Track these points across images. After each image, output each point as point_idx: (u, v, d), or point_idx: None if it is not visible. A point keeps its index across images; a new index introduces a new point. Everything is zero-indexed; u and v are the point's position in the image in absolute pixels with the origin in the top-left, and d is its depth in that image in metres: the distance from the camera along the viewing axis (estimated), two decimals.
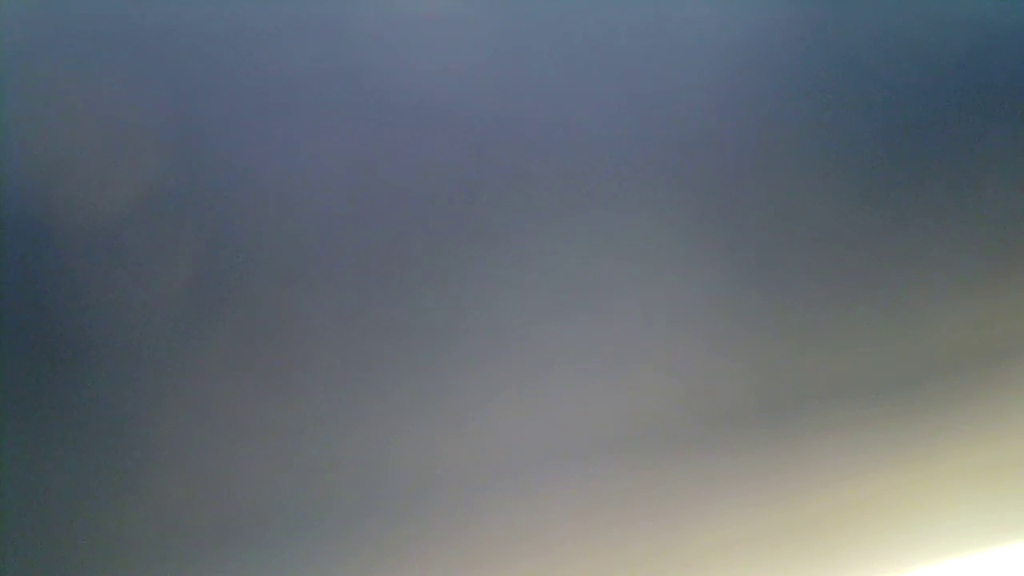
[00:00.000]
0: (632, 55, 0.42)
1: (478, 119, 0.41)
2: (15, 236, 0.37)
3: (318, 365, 0.40)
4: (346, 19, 0.40)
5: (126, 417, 0.38)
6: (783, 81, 0.44)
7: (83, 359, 0.38)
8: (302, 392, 0.40)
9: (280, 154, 0.39)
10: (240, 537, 0.40)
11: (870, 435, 0.47)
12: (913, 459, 0.49)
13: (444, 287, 0.41)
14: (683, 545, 0.46)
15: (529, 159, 0.41)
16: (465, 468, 0.42)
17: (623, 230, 0.42)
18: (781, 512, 0.47)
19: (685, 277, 0.43)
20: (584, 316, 0.42)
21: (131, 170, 0.38)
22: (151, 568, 0.39)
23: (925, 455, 0.49)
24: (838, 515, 0.49)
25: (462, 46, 0.41)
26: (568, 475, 0.43)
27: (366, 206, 0.40)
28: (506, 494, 0.43)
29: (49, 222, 0.37)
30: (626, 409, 0.43)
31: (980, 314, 0.48)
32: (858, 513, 0.49)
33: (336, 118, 0.39)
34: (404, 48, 0.40)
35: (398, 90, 0.40)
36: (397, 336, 0.40)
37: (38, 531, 0.38)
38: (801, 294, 0.45)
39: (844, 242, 0.45)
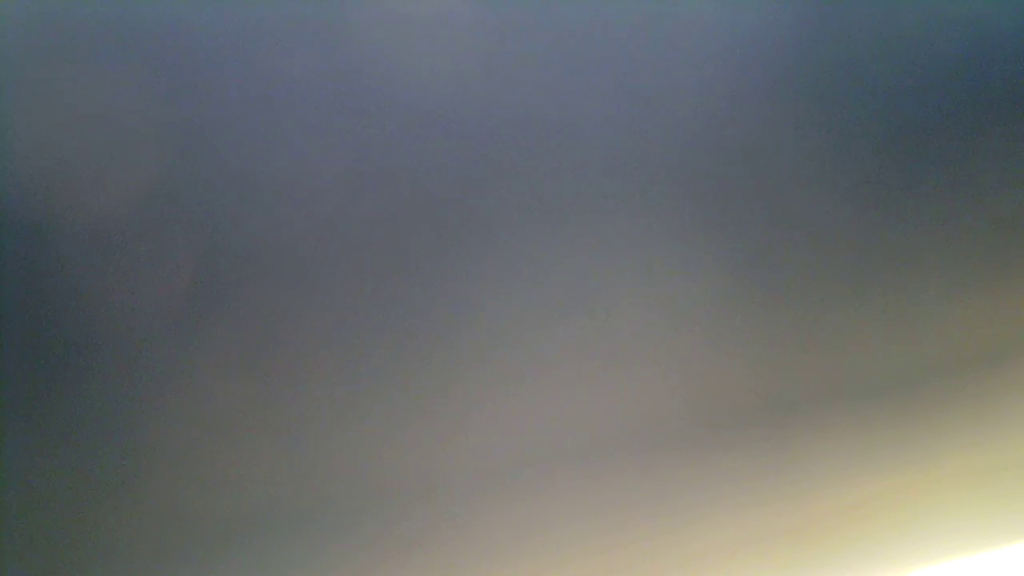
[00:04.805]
0: (631, 55, 0.42)
1: (477, 119, 0.41)
2: (15, 236, 0.37)
3: (317, 365, 0.40)
4: (345, 19, 0.40)
5: (125, 417, 0.38)
6: (782, 81, 0.44)
7: (83, 359, 0.38)
8: (301, 392, 0.40)
9: (279, 154, 0.39)
10: (240, 537, 0.40)
11: (870, 436, 0.47)
12: (912, 460, 0.49)
13: (443, 287, 0.41)
14: (683, 546, 0.46)
15: (529, 159, 0.41)
16: (464, 469, 0.42)
17: (622, 230, 0.42)
18: (781, 513, 0.47)
19: (685, 277, 0.43)
20: (583, 317, 0.42)
21: (131, 170, 0.38)
22: (151, 568, 0.39)
23: (925, 456, 0.49)
24: (838, 516, 0.49)
25: (462, 46, 0.41)
26: (568, 476, 0.43)
27: (365, 206, 0.40)
28: (505, 495, 0.43)
29: (49, 222, 0.37)
30: (625, 410, 0.43)
31: (980, 315, 0.48)
32: (858, 514, 0.49)
33: (335, 118, 0.40)
34: (403, 49, 0.40)
35: (397, 90, 0.40)
36: (396, 336, 0.40)
37: (38, 531, 0.38)
38: (801, 294, 0.45)
39: (844, 242, 0.45)
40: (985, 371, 0.48)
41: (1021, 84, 0.47)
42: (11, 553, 0.38)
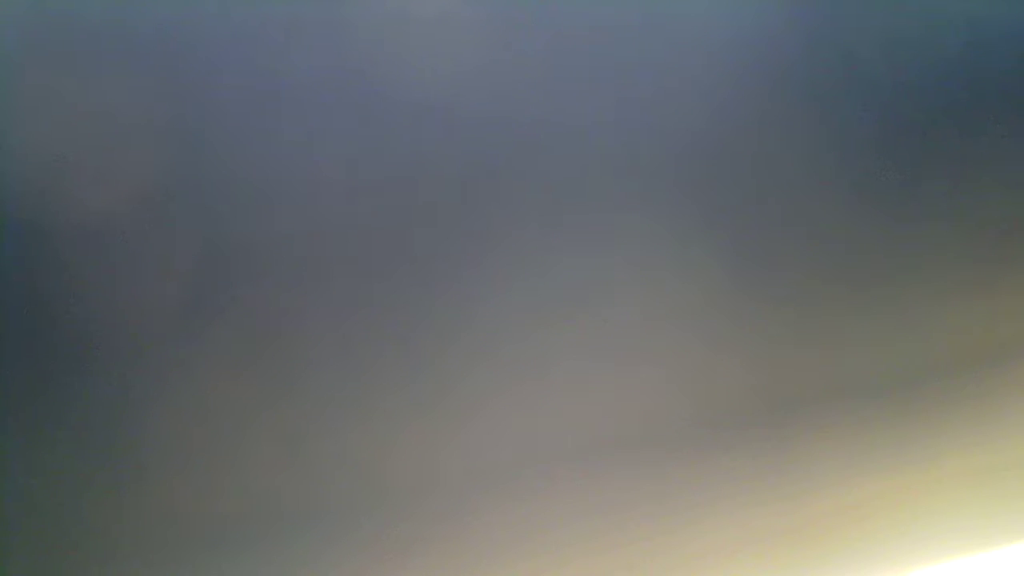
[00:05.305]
0: (632, 55, 0.42)
1: (477, 119, 0.41)
2: (15, 236, 0.37)
3: (318, 365, 0.40)
4: (346, 19, 0.40)
5: (126, 417, 0.38)
6: (782, 81, 0.44)
7: (83, 359, 0.38)
8: (302, 392, 0.40)
9: (280, 154, 0.39)
10: (240, 537, 0.40)
11: (870, 436, 0.47)
12: (912, 460, 0.49)
13: (443, 287, 0.41)
14: (683, 546, 0.46)
15: (529, 159, 0.41)
16: (465, 469, 0.42)
17: (622, 230, 0.42)
18: (781, 513, 0.47)
19: (685, 278, 0.43)
20: (583, 317, 0.42)
21: (131, 170, 0.38)
22: (151, 568, 0.39)
23: (924, 456, 0.49)
24: (837, 516, 0.49)
25: (462, 46, 0.41)
26: (568, 476, 0.43)
27: (365, 206, 0.40)
28: (506, 495, 0.43)
29: (49, 221, 0.37)
30: (626, 410, 0.43)
31: (980, 315, 0.48)
32: (857, 514, 0.49)
33: (336, 118, 0.40)
34: (404, 48, 0.40)
35: (398, 90, 0.40)
36: (397, 336, 0.40)
37: (38, 531, 0.38)
38: (801, 295, 0.45)
39: (843, 242, 0.45)
40: (985, 371, 0.48)
41: (1021, 84, 0.47)
42: (11, 553, 0.38)
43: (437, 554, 0.42)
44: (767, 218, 0.44)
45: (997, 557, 0.55)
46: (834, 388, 0.46)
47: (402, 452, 0.41)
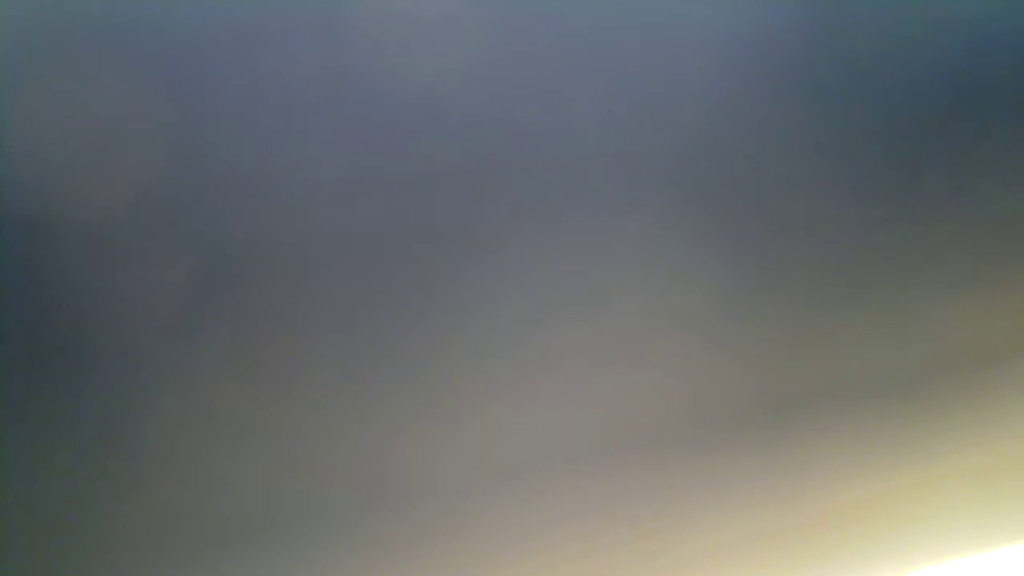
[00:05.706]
0: (632, 56, 0.42)
1: (478, 120, 0.41)
2: (15, 236, 0.37)
3: (318, 366, 0.40)
4: (346, 19, 0.40)
5: (126, 417, 0.38)
6: (783, 81, 0.44)
7: (83, 359, 0.38)
8: (302, 393, 0.40)
9: (279, 154, 0.39)
10: (240, 537, 0.40)
11: (869, 437, 0.47)
12: (912, 461, 0.49)
13: (444, 288, 0.41)
14: (683, 545, 0.46)
15: (529, 161, 0.41)
16: (465, 469, 0.42)
17: (623, 232, 0.42)
18: (781, 513, 0.47)
19: (685, 279, 0.43)
20: (583, 318, 0.42)
21: (131, 170, 0.38)
22: (151, 568, 0.39)
23: (924, 457, 0.49)
24: (837, 516, 0.49)
25: (462, 46, 0.41)
26: (568, 476, 0.43)
27: (365, 207, 0.40)
28: (506, 495, 0.43)
29: (49, 222, 0.37)
30: (626, 411, 0.43)
31: (980, 316, 0.48)
32: (857, 514, 0.49)
33: (335, 118, 0.39)
34: (403, 49, 0.40)
35: (398, 90, 0.40)
36: (397, 337, 0.40)
37: (38, 531, 0.38)
38: (800, 296, 0.45)
39: (843, 243, 0.45)
40: (985, 371, 0.49)
41: (1021, 84, 0.47)
42: (11, 553, 0.38)
43: (436, 554, 0.42)
44: (768, 219, 0.44)
45: (997, 557, 0.55)
46: (834, 388, 0.46)
47: (402, 453, 0.41)
